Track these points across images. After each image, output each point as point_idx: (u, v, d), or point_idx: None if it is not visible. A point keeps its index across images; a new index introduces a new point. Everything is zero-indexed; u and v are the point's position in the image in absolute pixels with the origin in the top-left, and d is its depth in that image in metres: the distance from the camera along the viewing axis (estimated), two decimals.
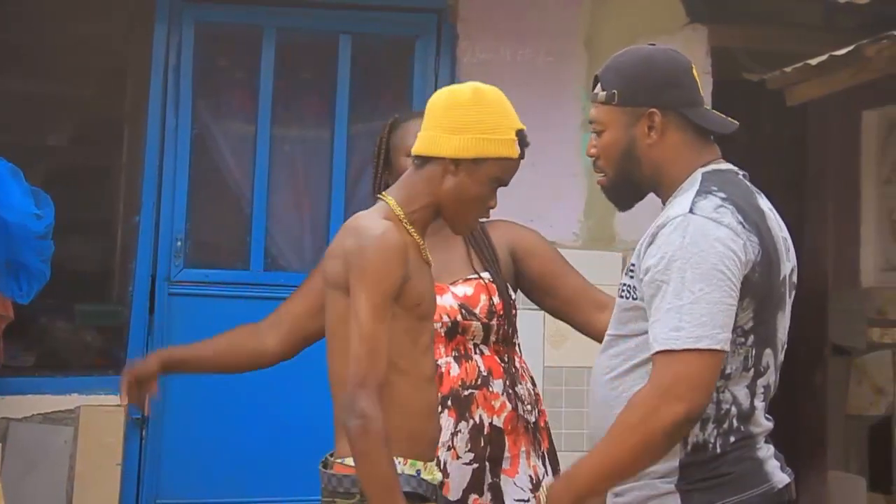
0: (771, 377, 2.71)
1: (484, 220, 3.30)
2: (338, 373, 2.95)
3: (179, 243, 4.78)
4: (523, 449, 3.32)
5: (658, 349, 2.58)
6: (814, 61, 4.48)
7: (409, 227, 2.99)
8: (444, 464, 3.23)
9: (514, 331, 3.45)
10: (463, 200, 2.98)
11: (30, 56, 5.67)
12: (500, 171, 2.98)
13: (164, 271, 4.79)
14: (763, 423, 2.79)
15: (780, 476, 2.81)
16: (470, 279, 3.35)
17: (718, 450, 2.70)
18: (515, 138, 2.98)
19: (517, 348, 3.45)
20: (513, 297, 3.41)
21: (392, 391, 2.94)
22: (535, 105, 4.92)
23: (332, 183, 4.94)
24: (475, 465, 3.26)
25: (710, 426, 2.73)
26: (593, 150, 2.90)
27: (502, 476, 3.29)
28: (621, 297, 2.83)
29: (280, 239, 5.01)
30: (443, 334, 3.30)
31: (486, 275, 3.37)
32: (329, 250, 2.98)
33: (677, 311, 2.58)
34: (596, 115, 2.89)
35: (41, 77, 5.95)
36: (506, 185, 2.99)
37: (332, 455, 2.97)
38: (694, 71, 2.90)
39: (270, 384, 4.35)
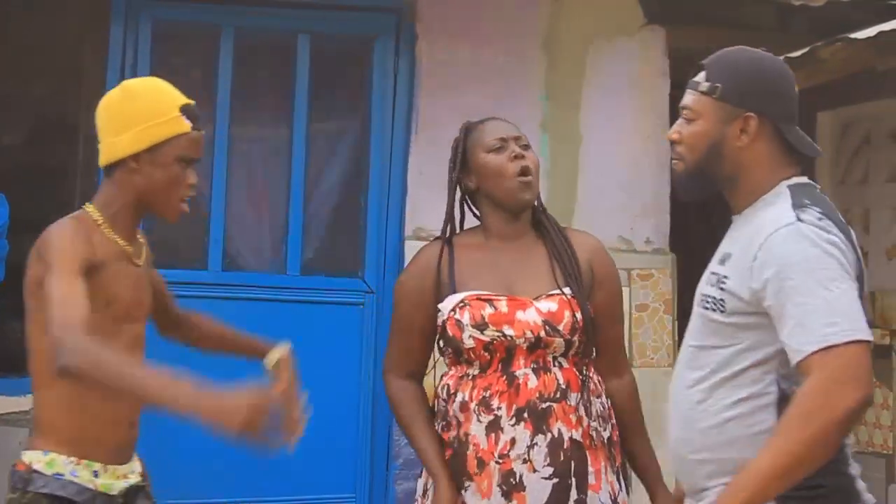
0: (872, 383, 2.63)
1: (569, 229, 3.44)
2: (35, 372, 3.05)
3: None
4: (602, 464, 3.29)
5: (814, 349, 2.52)
6: None
7: (109, 231, 3.05)
8: (521, 477, 3.22)
9: (592, 345, 3.40)
10: (158, 189, 3.04)
11: None
12: (180, 150, 3.02)
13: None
14: (850, 435, 2.77)
15: (868, 497, 2.78)
16: (553, 295, 3.30)
17: None
18: (180, 114, 3.00)
19: (592, 364, 3.40)
20: (592, 311, 3.35)
21: (76, 397, 2.98)
22: (494, 105, 4.92)
23: (292, 182, 4.95)
24: (555, 480, 3.22)
25: None
26: (676, 136, 2.87)
27: (589, 492, 3.26)
28: (706, 308, 2.81)
29: (239, 239, 5.02)
30: (524, 348, 3.26)
31: (567, 290, 3.31)
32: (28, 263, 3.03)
33: (824, 308, 2.56)
34: (691, 103, 2.86)
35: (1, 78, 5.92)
36: (196, 159, 3.04)
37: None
38: (796, 87, 2.90)
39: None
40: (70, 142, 5.96)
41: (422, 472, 4.94)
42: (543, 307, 3.27)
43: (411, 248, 4.85)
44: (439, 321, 3.34)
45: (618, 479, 3.35)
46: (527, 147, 3.36)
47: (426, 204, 4.90)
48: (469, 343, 3.26)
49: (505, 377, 3.27)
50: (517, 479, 3.21)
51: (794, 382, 2.67)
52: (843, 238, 2.64)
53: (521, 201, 3.33)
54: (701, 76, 2.86)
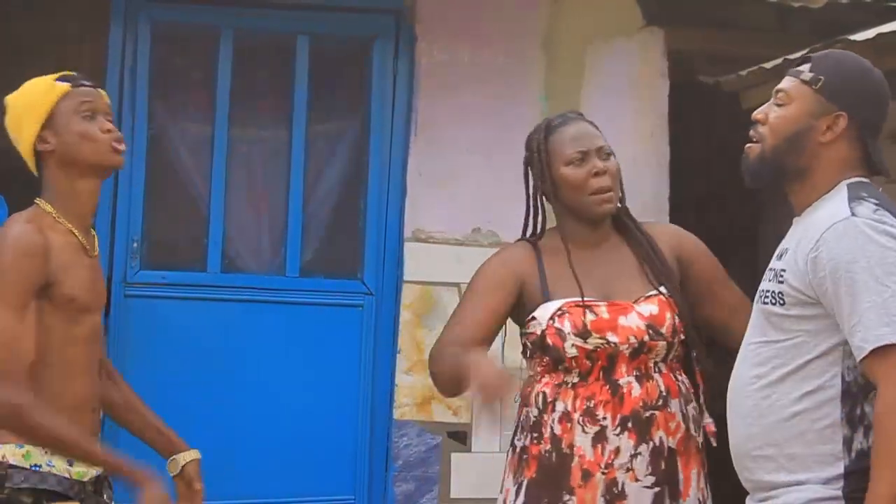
0: None
1: (644, 223, 3.45)
2: None
3: (136, 245, 4.79)
4: (695, 470, 3.28)
5: (872, 347, 2.53)
6: (768, 65, 4.54)
7: (65, 222, 3.12)
8: (623, 485, 3.20)
9: (690, 347, 3.37)
10: (76, 150, 3.12)
11: None
12: (72, 107, 3.13)
13: (121, 273, 4.78)
14: None
15: None
16: (651, 296, 3.29)
17: None
18: (54, 82, 3.14)
19: (685, 366, 3.39)
20: (689, 306, 3.34)
21: (41, 384, 3.05)
22: (494, 106, 5.02)
23: (291, 184, 4.94)
24: (657, 489, 3.22)
25: (872, 433, 2.69)
26: (762, 116, 2.87)
27: (679, 500, 3.25)
28: (766, 303, 2.81)
29: (237, 240, 5.02)
30: (627, 354, 3.24)
31: (664, 289, 3.30)
32: None
33: (881, 306, 2.55)
34: (788, 88, 2.85)
35: None
36: (97, 109, 3.13)
37: None
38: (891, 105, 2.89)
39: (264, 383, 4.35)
40: None
41: (422, 472, 4.95)
42: (645, 310, 3.27)
43: (410, 249, 4.91)
44: (536, 331, 3.28)
45: (706, 486, 3.35)
46: (608, 155, 3.33)
47: (426, 205, 4.94)
48: (572, 352, 3.24)
49: (608, 386, 3.25)
50: (619, 489, 3.20)
51: (858, 374, 2.69)
52: None
53: (601, 216, 3.34)
54: (805, 66, 2.85)
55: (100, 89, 3.24)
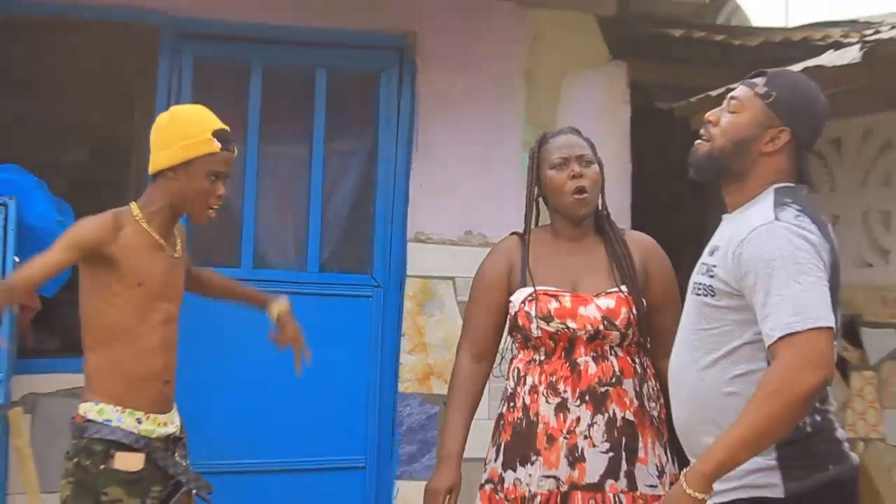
0: (833, 364, 2.58)
1: (626, 231, 3.45)
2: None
3: None
4: (650, 440, 3.25)
5: (780, 335, 2.50)
6: (714, 93, 4.53)
7: (145, 224, 3.19)
8: (582, 450, 3.20)
9: (645, 336, 3.36)
10: (190, 197, 3.17)
11: (52, 85, 5.69)
12: (211, 166, 3.15)
13: None
14: (833, 402, 2.74)
15: (854, 456, 2.76)
16: (611, 292, 3.27)
17: (809, 429, 2.64)
18: (212, 137, 3.13)
19: (645, 350, 3.36)
20: (645, 306, 3.29)
21: (115, 354, 3.16)
22: (482, 127, 5.02)
23: (311, 192, 4.96)
24: (611, 454, 3.20)
25: None
26: (714, 118, 2.81)
27: (637, 464, 3.22)
28: (698, 294, 2.77)
29: (266, 241, 5.02)
30: (584, 338, 3.23)
31: (625, 288, 3.28)
32: None
33: (791, 299, 2.51)
34: (742, 97, 2.78)
35: (63, 103, 5.97)
36: (225, 175, 3.17)
37: None
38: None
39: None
40: (124, 158, 6.00)
41: (422, 437, 4.97)
42: (603, 304, 3.25)
43: (413, 248, 4.94)
44: (511, 311, 3.32)
45: (665, 452, 3.31)
46: (589, 163, 3.32)
47: (425, 211, 4.97)
48: (536, 332, 3.25)
49: (568, 364, 3.25)
50: (579, 453, 3.19)
51: None
52: (818, 233, 2.61)
53: (577, 215, 3.32)
54: (760, 80, 2.80)
55: (234, 152, 3.27)
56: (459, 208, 4.99)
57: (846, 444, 2.75)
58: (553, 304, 3.26)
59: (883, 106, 5.03)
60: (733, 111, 2.79)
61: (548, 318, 3.25)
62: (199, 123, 3.20)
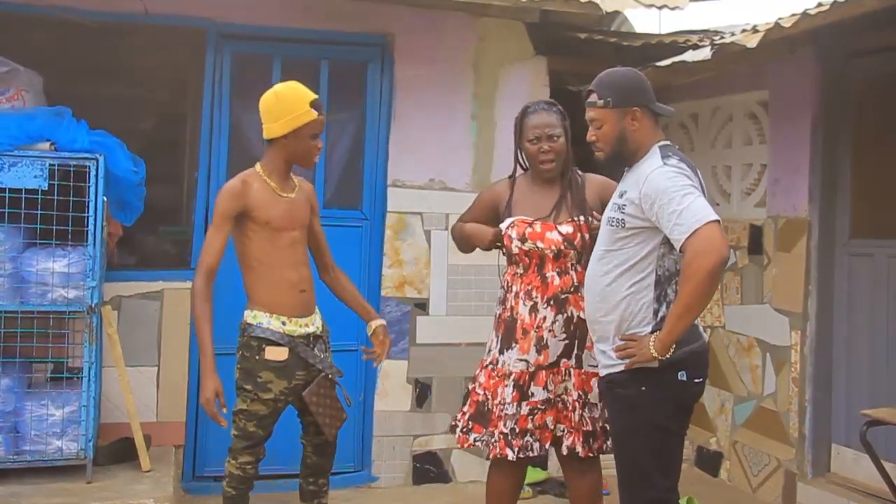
0: (728, 247, 2.61)
1: (589, 175, 3.41)
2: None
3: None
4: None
5: (688, 234, 2.53)
6: None
7: (267, 178, 3.17)
8: (546, 341, 3.22)
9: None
10: (299, 155, 3.18)
11: (130, 73, 5.64)
12: (311, 130, 3.15)
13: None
14: (699, 319, 2.76)
15: (705, 335, 2.83)
16: (570, 221, 3.29)
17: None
18: (309, 107, 3.11)
19: None
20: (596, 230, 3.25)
21: (260, 274, 3.16)
22: (442, 103, 5.00)
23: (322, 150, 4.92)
24: (567, 342, 3.24)
25: (673, 284, 2.71)
26: (593, 137, 2.83)
27: (585, 350, 3.25)
28: (612, 226, 2.79)
29: None
30: (551, 257, 3.25)
31: (581, 218, 3.29)
32: None
33: (687, 210, 2.56)
34: (595, 115, 2.81)
35: (138, 87, 5.94)
36: (320, 133, 3.15)
37: None
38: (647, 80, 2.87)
39: None
40: (181, 127, 5.96)
41: (399, 328, 4.97)
42: (563, 230, 3.27)
43: (391, 192, 4.93)
44: (502, 233, 3.34)
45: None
46: (557, 138, 3.32)
47: (400, 164, 4.95)
48: (515, 250, 3.29)
49: (539, 277, 3.27)
50: (544, 342, 3.25)
51: (665, 269, 2.71)
52: (690, 172, 2.69)
53: (545, 174, 3.35)
54: (593, 97, 2.83)
55: (324, 115, 3.23)
56: (425, 162, 4.96)
57: (701, 328, 2.87)
58: (528, 229, 3.29)
59: (727, 90, 5.10)
60: (597, 127, 2.83)
61: (523, 239, 3.28)
62: (298, 98, 3.18)
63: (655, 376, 2.73)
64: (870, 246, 4.44)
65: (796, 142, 4.63)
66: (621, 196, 2.80)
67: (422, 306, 4.93)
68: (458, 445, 3.45)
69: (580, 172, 3.45)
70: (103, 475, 3.99)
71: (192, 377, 4.65)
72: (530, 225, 3.29)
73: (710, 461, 5.23)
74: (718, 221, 2.58)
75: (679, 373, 2.73)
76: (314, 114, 3.17)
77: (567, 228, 3.27)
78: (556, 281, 3.26)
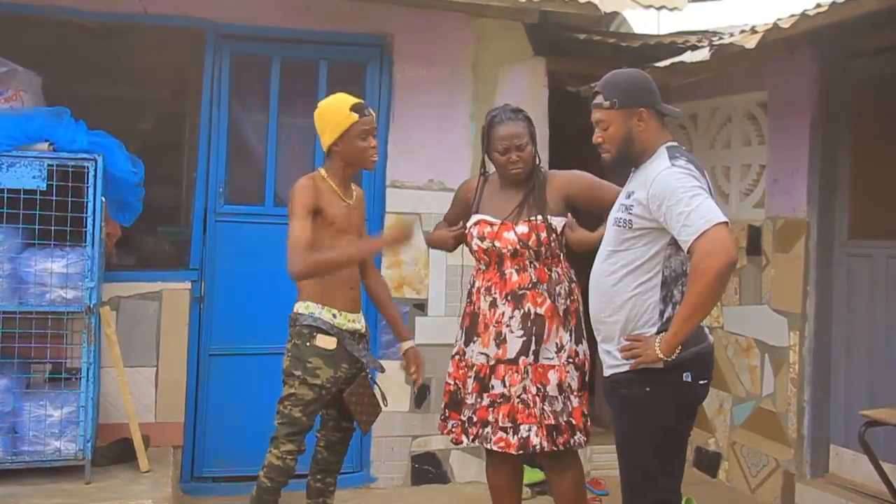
0: (736, 248, 2.58)
1: (555, 173, 3.46)
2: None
3: (221, 189, 4.79)
4: (555, 327, 3.30)
5: (696, 235, 2.52)
6: None
7: (331, 182, 3.28)
8: (504, 336, 3.29)
9: (560, 250, 3.39)
10: (354, 156, 3.29)
11: (129, 74, 5.62)
12: (357, 131, 3.25)
13: (212, 206, 4.77)
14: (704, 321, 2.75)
15: (710, 337, 2.81)
16: (527, 221, 3.34)
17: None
18: (350, 111, 3.22)
19: (561, 260, 3.40)
20: (557, 230, 3.34)
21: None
22: (440, 104, 5.00)
23: (316, 152, 4.86)
24: (524, 338, 3.29)
25: (679, 285, 2.71)
26: (600, 139, 2.81)
27: (542, 345, 3.29)
28: (618, 226, 2.77)
29: (284, 184, 4.91)
30: (508, 255, 3.33)
31: (539, 218, 3.33)
32: None
33: (695, 211, 2.55)
34: (601, 117, 2.79)
35: (137, 87, 5.90)
36: (371, 132, 3.24)
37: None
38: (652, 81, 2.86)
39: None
40: (180, 126, 5.94)
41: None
42: (519, 230, 3.34)
43: (390, 192, 4.93)
44: (465, 232, 3.48)
45: (569, 335, 3.34)
46: (524, 147, 3.37)
47: (399, 165, 4.95)
48: (475, 247, 3.40)
49: (499, 273, 3.36)
50: (502, 337, 3.30)
51: (672, 270, 2.69)
52: (698, 173, 2.67)
53: (512, 181, 3.42)
54: (599, 98, 2.80)
55: (372, 114, 3.32)
56: (424, 163, 4.96)
57: (706, 329, 2.86)
58: (487, 229, 3.38)
59: (726, 91, 5.10)
60: (604, 129, 2.80)
61: (482, 239, 3.38)
62: (338, 106, 3.29)
63: (660, 377, 2.72)
64: (868, 246, 4.44)
65: (795, 142, 4.63)
66: (628, 196, 2.79)
67: (420, 307, 4.93)
68: (439, 432, 3.57)
69: (543, 171, 3.49)
70: (102, 476, 3.98)
71: (191, 377, 4.66)
72: (490, 225, 3.39)
73: (708, 462, 5.22)
74: (727, 223, 2.58)
75: (684, 374, 2.73)
76: (355, 116, 3.27)
77: (523, 229, 3.33)
78: (515, 277, 3.33)
